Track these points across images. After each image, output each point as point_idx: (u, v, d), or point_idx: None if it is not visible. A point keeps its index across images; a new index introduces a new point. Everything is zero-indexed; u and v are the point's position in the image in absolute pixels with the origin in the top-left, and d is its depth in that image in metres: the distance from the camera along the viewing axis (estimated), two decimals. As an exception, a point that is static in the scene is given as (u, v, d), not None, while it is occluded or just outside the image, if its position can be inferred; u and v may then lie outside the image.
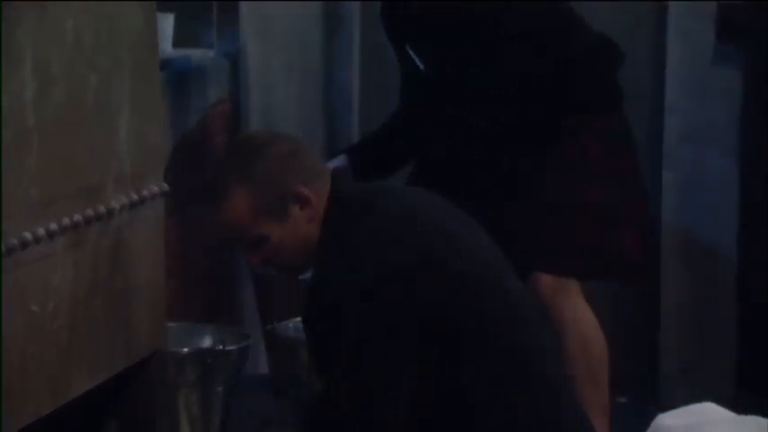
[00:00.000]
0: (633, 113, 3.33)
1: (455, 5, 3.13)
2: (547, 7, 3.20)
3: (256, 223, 2.20)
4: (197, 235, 3.52)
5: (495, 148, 3.21)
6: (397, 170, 3.38)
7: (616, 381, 3.44)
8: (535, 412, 2.18)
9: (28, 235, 1.99)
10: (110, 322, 2.23)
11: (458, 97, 3.21)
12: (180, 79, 3.44)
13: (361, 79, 4.20)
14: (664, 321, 4.02)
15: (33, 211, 2.02)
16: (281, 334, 3.30)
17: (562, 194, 3.21)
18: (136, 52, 2.29)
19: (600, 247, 3.24)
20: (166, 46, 3.56)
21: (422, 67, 3.18)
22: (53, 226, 2.06)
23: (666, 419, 2.17)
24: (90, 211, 2.17)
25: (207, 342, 3.13)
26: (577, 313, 3.25)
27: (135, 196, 2.29)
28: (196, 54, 3.73)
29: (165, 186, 2.39)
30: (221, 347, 3.03)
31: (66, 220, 2.09)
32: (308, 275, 2.37)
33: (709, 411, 2.16)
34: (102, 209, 2.20)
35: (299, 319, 3.21)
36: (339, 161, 3.31)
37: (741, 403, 3.16)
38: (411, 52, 3.19)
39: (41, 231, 2.03)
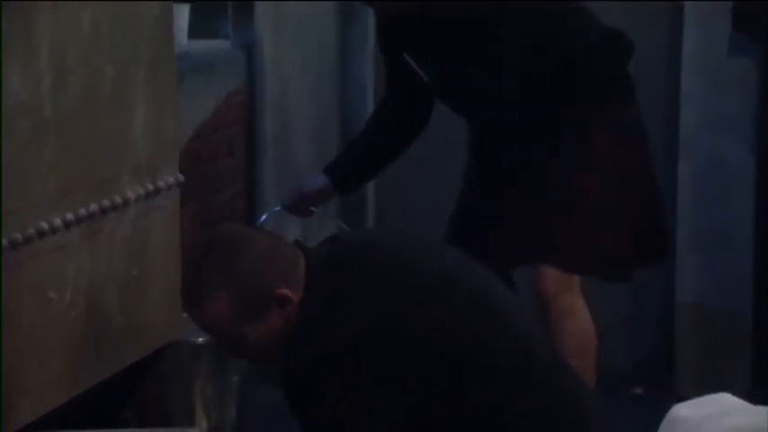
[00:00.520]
0: (649, 104, 3.32)
1: (455, 5, 3.13)
2: (547, 6, 3.20)
3: (236, 325, 2.16)
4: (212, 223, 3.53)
5: (497, 147, 3.23)
6: (375, 176, 3.46)
7: (632, 372, 3.45)
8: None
9: (45, 225, 2.00)
10: (126, 312, 2.24)
11: (458, 98, 3.22)
12: (195, 71, 3.44)
13: (375, 71, 4.21)
14: (680, 312, 4.01)
15: (50, 201, 2.03)
16: None
17: (566, 189, 3.21)
18: (152, 44, 2.30)
19: (591, 245, 3.25)
20: (182, 38, 3.56)
21: (421, 73, 3.20)
22: (69, 216, 2.07)
23: (682, 410, 2.16)
24: (106, 202, 2.18)
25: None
26: (576, 310, 3.27)
27: (150, 187, 2.30)
28: (211, 46, 3.74)
29: (180, 177, 2.40)
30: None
31: (82, 211, 2.10)
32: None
33: (726, 402, 2.16)
34: (117, 199, 2.21)
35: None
36: (320, 181, 3.36)
37: (756, 394, 3.15)
38: (411, 60, 3.20)
39: (58, 222, 2.03)
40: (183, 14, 3.53)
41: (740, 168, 3.88)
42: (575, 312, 3.28)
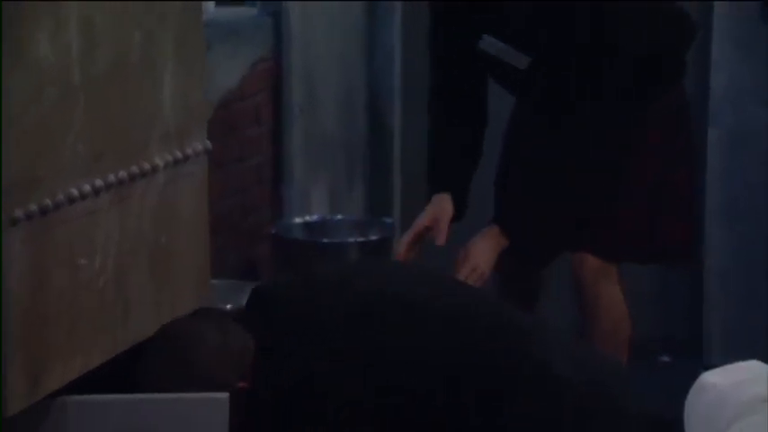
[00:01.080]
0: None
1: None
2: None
3: None
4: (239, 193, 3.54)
5: (553, 131, 3.18)
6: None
7: (660, 340, 3.45)
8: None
9: (74, 191, 2.01)
10: (154, 278, 2.25)
11: (545, 84, 3.15)
12: (222, 38, 3.44)
13: (403, 38, 4.19)
14: (707, 280, 4.00)
15: (80, 167, 2.03)
16: None
17: (615, 176, 3.19)
18: (180, 10, 2.30)
19: (647, 233, 3.23)
20: (209, 4, 3.56)
21: (507, 57, 3.11)
22: (99, 183, 2.07)
23: (711, 377, 2.16)
24: (135, 169, 2.18)
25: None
26: (612, 298, 3.27)
27: (179, 154, 2.30)
28: (238, 13, 3.74)
29: (209, 144, 2.40)
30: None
31: (111, 177, 2.11)
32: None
33: (755, 368, 2.15)
34: (146, 166, 2.21)
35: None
36: (443, 202, 3.24)
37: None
38: (493, 45, 3.11)
39: (87, 188, 2.04)
40: (210, -19, 3.53)
41: (769, 136, 3.87)
42: (611, 301, 3.28)
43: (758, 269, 3.95)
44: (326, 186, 4.07)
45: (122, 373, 2.16)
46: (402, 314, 2.23)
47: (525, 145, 3.27)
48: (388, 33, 4.20)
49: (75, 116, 2.02)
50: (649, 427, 2.34)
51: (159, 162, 2.24)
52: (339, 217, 3.93)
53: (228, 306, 3.02)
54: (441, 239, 3.16)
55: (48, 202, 1.96)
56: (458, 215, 3.20)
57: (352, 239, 3.72)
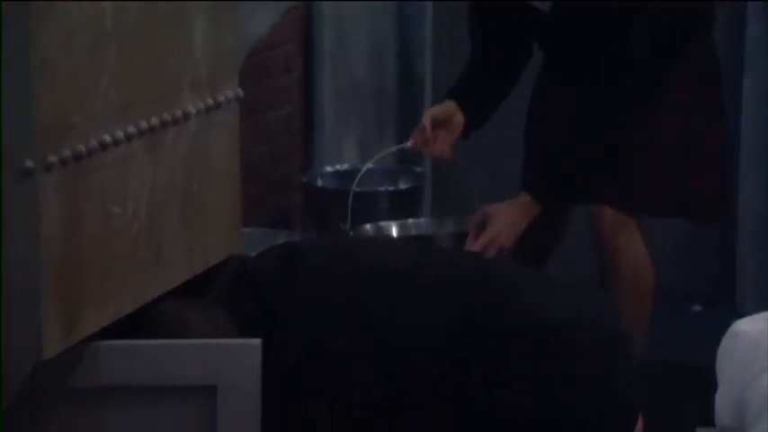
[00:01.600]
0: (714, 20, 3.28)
1: None
2: None
3: None
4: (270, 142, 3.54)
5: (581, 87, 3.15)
6: (498, 108, 3.27)
7: (692, 289, 3.44)
8: None
9: (107, 137, 2.02)
10: (186, 226, 2.25)
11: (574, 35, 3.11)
12: (253, -14, 3.43)
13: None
14: (740, 229, 3.99)
15: (112, 113, 2.04)
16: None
17: (636, 129, 3.17)
18: (211, -43, 2.29)
19: (671, 187, 3.21)
20: (239, -48, 3.54)
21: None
22: (131, 129, 2.08)
23: (744, 325, 2.16)
24: (167, 116, 2.18)
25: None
26: (633, 249, 3.25)
27: (210, 101, 2.30)
28: (269, -40, 3.72)
29: (240, 92, 2.40)
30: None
31: (143, 124, 2.11)
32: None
33: (788, 317, 2.15)
34: (178, 113, 2.21)
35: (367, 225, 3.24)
36: (444, 107, 3.19)
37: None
38: None
39: (120, 134, 2.05)
40: (240, -71, 3.51)
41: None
42: (631, 252, 3.26)
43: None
44: (357, 135, 4.07)
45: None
46: (408, 294, 2.21)
47: (550, 102, 3.26)
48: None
49: (107, 63, 2.02)
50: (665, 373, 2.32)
51: (191, 109, 2.24)
52: (369, 166, 3.93)
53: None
54: (443, 145, 3.07)
55: (81, 148, 1.97)
56: (467, 127, 3.10)
57: (382, 188, 3.72)
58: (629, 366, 2.26)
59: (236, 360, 2.08)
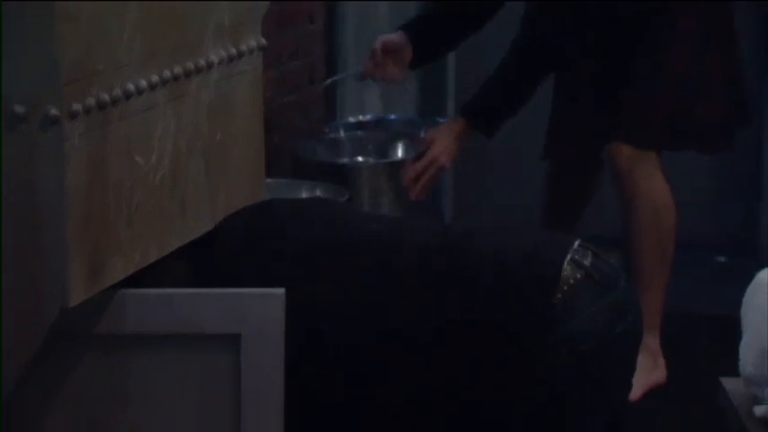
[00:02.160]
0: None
1: None
2: None
3: None
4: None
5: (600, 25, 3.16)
6: (452, 49, 3.40)
7: (716, 240, 3.42)
8: None
9: (131, 86, 2.02)
10: (210, 175, 2.25)
11: None
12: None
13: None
14: (765, 179, 3.98)
15: (136, 62, 2.04)
16: None
17: (646, 63, 3.16)
18: None
19: (681, 118, 3.21)
20: None
21: None
22: (155, 78, 2.08)
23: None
24: (190, 65, 2.18)
25: (303, 199, 3.14)
26: (652, 184, 3.25)
27: (233, 50, 2.30)
28: None
29: (263, 41, 2.39)
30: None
31: (167, 73, 2.11)
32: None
33: (813, 266, 2.15)
34: (201, 62, 2.21)
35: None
36: (396, 37, 3.31)
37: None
38: None
39: (144, 83, 2.05)
40: None
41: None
42: (651, 189, 3.26)
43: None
44: (379, 86, 4.06)
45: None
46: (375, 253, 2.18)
47: (526, 31, 3.27)
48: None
49: (130, 11, 2.02)
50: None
51: (214, 58, 2.24)
52: (392, 116, 3.92)
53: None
54: (393, 71, 3.22)
55: (105, 96, 1.97)
56: (414, 60, 3.21)
57: (403, 140, 3.71)
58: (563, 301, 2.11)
59: (260, 309, 2.09)
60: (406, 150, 3.55)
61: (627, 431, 2.26)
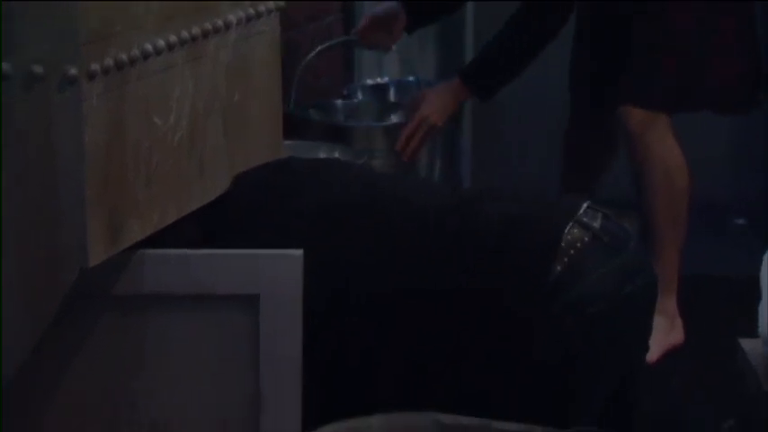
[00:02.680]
0: None
1: None
2: None
3: None
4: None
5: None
6: (449, 14, 3.40)
7: (734, 203, 3.41)
8: None
9: (149, 46, 2.02)
10: (228, 136, 2.25)
11: None
12: None
13: None
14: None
15: (154, 22, 2.03)
16: None
17: (656, 25, 3.14)
18: None
19: (692, 79, 3.19)
20: None
21: None
22: (173, 38, 2.07)
23: (788, 236, 2.15)
24: (208, 25, 2.18)
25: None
26: (665, 147, 3.24)
27: (251, 11, 2.29)
28: None
29: (281, 2, 2.39)
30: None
31: (185, 33, 2.11)
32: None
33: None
34: (219, 23, 2.21)
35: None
36: (384, 9, 3.31)
37: None
38: None
39: (162, 43, 2.04)
40: None
41: None
42: (663, 150, 3.25)
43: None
44: (397, 48, 4.04)
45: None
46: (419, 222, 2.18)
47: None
48: None
49: (148, -29, 2.02)
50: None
51: (232, 18, 2.23)
52: (410, 79, 3.91)
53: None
54: (386, 38, 3.25)
55: (123, 56, 1.96)
56: (408, 26, 3.23)
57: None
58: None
59: (278, 269, 2.09)
60: None
61: (644, 392, 2.25)
